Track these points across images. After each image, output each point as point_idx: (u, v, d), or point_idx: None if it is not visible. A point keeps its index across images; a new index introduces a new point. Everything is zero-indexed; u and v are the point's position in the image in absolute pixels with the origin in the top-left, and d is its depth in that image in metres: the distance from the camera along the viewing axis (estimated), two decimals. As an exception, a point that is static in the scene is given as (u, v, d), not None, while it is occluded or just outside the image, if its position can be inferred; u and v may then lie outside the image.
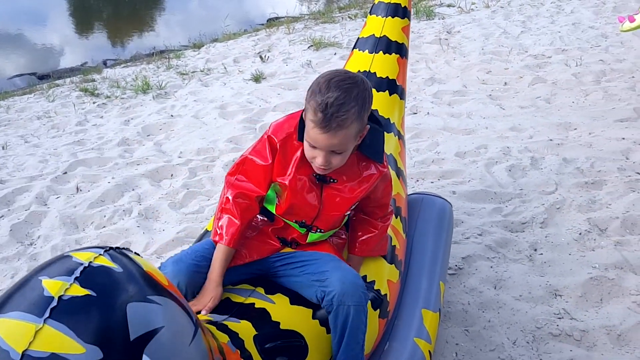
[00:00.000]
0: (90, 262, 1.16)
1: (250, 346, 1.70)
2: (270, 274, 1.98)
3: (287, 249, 1.99)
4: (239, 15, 9.00)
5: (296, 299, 1.91)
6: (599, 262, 3.03)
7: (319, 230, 1.97)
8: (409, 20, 2.97)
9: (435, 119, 4.60)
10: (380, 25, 2.89)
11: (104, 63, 7.54)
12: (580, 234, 3.26)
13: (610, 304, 2.79)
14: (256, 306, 1.84)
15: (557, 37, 6.47)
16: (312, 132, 1.72)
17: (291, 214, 1.95)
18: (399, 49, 2.88)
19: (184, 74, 5.78)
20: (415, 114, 4.77)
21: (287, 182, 1.89)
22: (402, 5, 2.90)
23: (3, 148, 4.62)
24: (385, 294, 2.16)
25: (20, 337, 1.05)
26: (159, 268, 1.84)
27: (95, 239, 3.27)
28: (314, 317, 1.90)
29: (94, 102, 5.24)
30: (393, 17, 2.89)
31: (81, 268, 1.14)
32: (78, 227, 3.45)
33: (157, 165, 4.01)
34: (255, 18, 9.43)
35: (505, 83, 5.38)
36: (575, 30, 6.68)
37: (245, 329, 1.73)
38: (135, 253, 1.29)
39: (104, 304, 1.12)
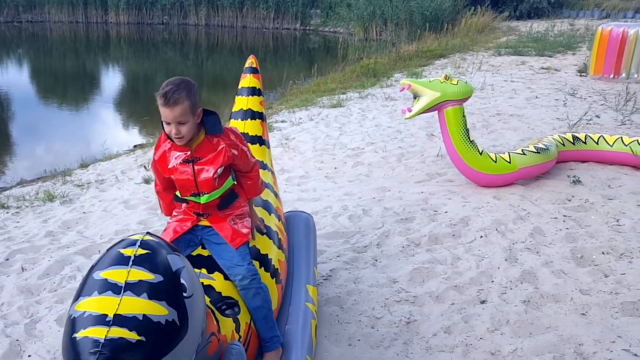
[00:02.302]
0: (142, 238, 2.00)
1: (209, 304, 2.54)
2: (203, 246, 2.87)
3: (203, 221, 2.84)
4: (87, 150, 9.17)
5: (227, 276, 2.81)
6: (418, 261, 4.18)
7: (204, 194, 2.76)
8: (263, 97, 3.93)
9: (291, 194, 5.70)
10: (246, 102, 3.81)
11: (-10, 190, 7.76)
12: (403, 247, 4.43)
13: (429, 282, 3.91)
14: (204, 284, 2.67)
15: (366, 135, 7.93)
16: (162, 111, 2.53)
17: (184, 191, 2.78)
18: (260, 116, 3.83)
19: (80, 186, 6.39)
20: (275, 193, 5.86)
21: (169, 175, 2.78)
22: (257, 88, 3.86)
23: None
24: (277, 268, 3.14)
25: (120, 275, 1.86)
26: None
27: (53, 298, 3.87)
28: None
29: (7, 212, 5.63)
30: (252, 96, 3.83)
31: (139, 241, 1.98)
32: (33, 293, 3.93)
33: (85, 245, 4.61)
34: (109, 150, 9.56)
35: (335, 168, 6.63)
36: (378, 130, 8.22)
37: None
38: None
39: (156, 255, 1.96)
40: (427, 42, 19.19)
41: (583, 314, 3.46)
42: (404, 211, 5.12)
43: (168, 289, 1.91)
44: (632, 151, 5.97)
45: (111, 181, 6.57)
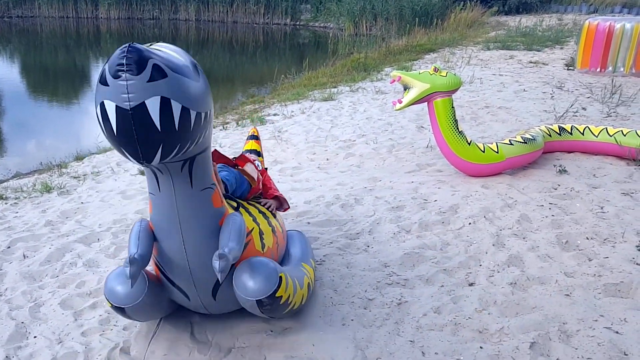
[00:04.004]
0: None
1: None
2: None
3: None
4: (80, 144, 9.21)
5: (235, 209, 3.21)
6: (408, 246, 4.31)
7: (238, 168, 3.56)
8: (262, 157, 4.47)
9: (284, 184, 5.83)
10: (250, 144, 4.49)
11: (-13, 182, 7.80)
12: (394, 234, 4.56)
13: (420, 266, 4.05)
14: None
15: (357, 128, 8.07)
16: None
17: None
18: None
19: (77, 177, 6.47)
20: (269, 183, 5.99)
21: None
22: (257, 150, 4.45)
23: (-63, 244, 5.05)
24: (275, 226, 3.51)
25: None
26: None
27: (55, 283, 3.99)
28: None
29: (5, 203, 5.71)
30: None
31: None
32: (36, 279, 4.03)
33: (84, 234, 4.72)
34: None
35: (327, 159, 6.77)
36: (369, 122, 8.36)
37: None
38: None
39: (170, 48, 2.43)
40: (416, 37, 19.32)
41: (567, 295, 3.60)
42: (394, 200, 5.25)
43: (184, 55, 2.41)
44: (617, 141, 6.12)
45: (107, 173, 6.67)
